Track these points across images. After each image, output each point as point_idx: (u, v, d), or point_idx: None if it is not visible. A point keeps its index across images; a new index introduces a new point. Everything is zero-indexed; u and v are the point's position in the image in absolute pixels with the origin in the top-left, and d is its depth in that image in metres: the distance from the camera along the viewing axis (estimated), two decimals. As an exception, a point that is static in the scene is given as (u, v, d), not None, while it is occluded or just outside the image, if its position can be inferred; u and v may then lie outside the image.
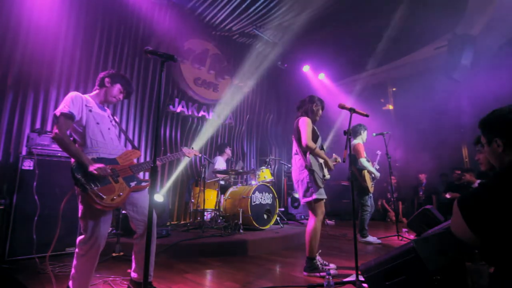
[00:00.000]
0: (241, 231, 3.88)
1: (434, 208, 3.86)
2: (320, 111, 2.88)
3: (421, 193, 6.73)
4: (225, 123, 6.32)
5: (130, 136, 4.71)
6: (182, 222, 5.12)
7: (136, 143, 4.76)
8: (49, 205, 2.91)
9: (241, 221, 3.97)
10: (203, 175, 4.20)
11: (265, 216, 4.31)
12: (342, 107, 2.50)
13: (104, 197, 1.69)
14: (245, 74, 6.78)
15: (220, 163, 5.09)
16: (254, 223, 4.04)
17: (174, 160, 5.15)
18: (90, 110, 1.87)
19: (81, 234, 1.80)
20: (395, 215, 5.65)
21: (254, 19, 5.71)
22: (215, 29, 6.03)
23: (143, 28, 5.07)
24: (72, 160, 1.73)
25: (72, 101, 1.78)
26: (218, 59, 6.25)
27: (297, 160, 2.72)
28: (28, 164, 2.92)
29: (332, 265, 2.68)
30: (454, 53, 5.59)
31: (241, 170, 4.82)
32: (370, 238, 4.08)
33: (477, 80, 5.49)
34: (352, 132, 4.34)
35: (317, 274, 2.49)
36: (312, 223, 2.60)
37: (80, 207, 1.77)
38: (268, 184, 4.57)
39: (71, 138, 1.83)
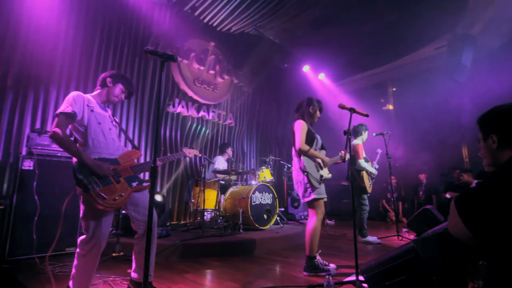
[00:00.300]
0: (241, 231, 3.88)
1: (434, 208, 3.87)
2: (318, 112, 2.89)
3: (421, 193, 6.73)
4: (225, 123, 6.32)
5: (130, 136, 4.71)
6: (182, 222, 5.12)
7: (136, 143, 4.76)
8: (49, 205, 2.91)
9: (241, 221, 3.97)
10: (203, 175, 4.20)
11: (265, 216, 4.31)
12: (342, 107, 2.50)
13: (106, 197, 1.69)
14: (245, 74, 6.78)
15: (221, 162, 5.09)
16: (254, 223, 4.04)
17: (174, 160, 5.16)
18: (92, 110, 1.87)
19: (82, 234, 1.80)
20: (395, 215, 5.65)
21: (254, 19, 5.71)
22: (215, 29, 6.03)
23: (143, 28, 5.06)
24: (74, 160, 1.73)
25: (74, 100, 1.78)
26: (218, 59, 6.25)
27: (295, 162, 2.77)
28: (28, 164, 2.92)
29: (332, 265, 2.68)
30: (454, 53, 5.59)
31: (240, 171, 4.82)
32: (370, 238, 4.09)
33: (477, 80, 5.49)
34: (353, 132, 4.35)
35: (320, 274, 2.49)
36: (312, 222, 2.62)
37: (82, 207, 1.77)
38: (268, 184, 4.57)
39: (72, 138, 1.83)
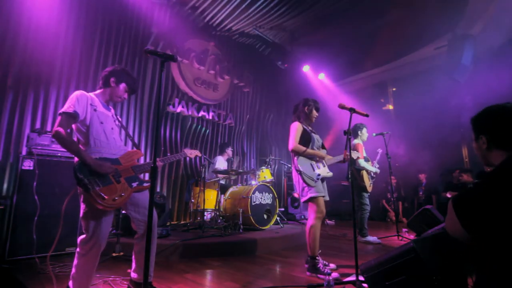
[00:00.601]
0: (241, 231, 3.88)
1: (434, 208, 3.86)
2: (315, 111, 2.89)
3: (421, 193, 6.73)
4: (225, 123, 6.32)
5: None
6: (182, 222, 5.12)
7: (136, 143, 4.76)
8: (49, 205, 2.91)
9: (241, 221, 3.97)
10: (203, 175, 4.20)
11: (265, 216, 4.31)
12: (342, 107, 2.50)
13: (106, 197, 1.69)
14: (245, 74, 6.78)
15: (221, 162, 5.09)
16: (254, 223, 4.04)
17: (174, 161, 5.16)
18: (95, 109, 1.86)
19: (82, 234, 1.80)
20: (395, 215, 5.65)
21: (254, 19, 5.71)
22: (215, 29, 6.03)
23: (143, 28, 5.07)
24: (75, 159, 1.73)
25: (77, 100, 1.78)
26: (218, 59, 6.25)
27: (292, 163, 2.80)
28: (28, 164, 2.92)
29: (332, 265, 2.68)
30: (454, 53, 5.58)
31: (240, 170, 4.82)
32: (370, 238, 4.08)
33: (477, 80, 5.48)
34: (353, 132, 4.35)
35: (320, 276, 2.48)
36: (311, 221, 2.61)
37: (82, 206, 1.77)
38: (268, 184, 4.57)
39: (74, 138, 1.83)
